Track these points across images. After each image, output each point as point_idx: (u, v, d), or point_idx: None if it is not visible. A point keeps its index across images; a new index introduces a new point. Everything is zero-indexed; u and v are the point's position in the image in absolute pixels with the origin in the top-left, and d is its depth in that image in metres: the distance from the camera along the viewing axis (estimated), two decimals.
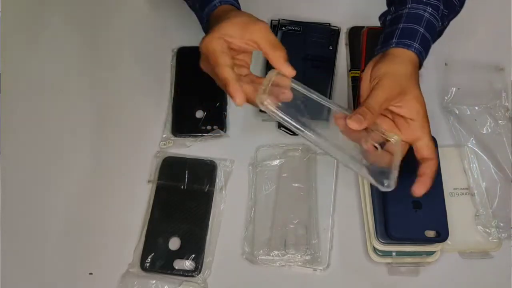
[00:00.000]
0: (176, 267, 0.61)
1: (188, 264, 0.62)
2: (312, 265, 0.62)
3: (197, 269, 0.61)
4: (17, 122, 0.71)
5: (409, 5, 0.58)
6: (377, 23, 0.75)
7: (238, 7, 0.59)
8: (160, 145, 0.69)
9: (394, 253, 0.62)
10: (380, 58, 0.56)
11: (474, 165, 0.67)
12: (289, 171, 0.66)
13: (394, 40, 0.56)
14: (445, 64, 0.74)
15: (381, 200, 0.63)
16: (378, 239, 0.61)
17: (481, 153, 0.68)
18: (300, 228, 0.63)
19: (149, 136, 0.69)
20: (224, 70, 0.50)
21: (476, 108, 0.70)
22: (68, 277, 0.62)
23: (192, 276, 0.61)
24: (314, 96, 0.52)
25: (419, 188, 0.51)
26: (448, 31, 0.74)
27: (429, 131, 0.53)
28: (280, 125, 0.70)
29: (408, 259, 0.62)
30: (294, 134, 0.69)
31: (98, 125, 0.70)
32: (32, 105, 0.72)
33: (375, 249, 0.62)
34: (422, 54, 0.56)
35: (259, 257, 0.62)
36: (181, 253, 0.62)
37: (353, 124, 0.49)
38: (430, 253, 0.62)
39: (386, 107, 0.52)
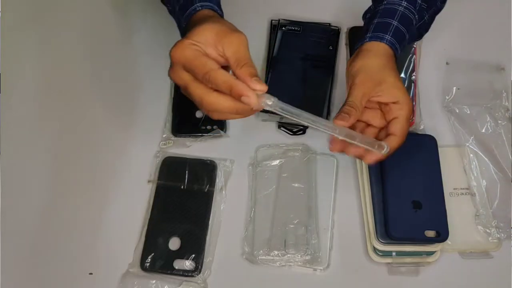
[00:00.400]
0: (176, 267, 0.61)
1: (188, 264, 0.62)
2: (312, 265, 0.62)
3: (197, 269, 0.61)
4: (17, 122, 0.71)
5: (385, 1, 0.60)
6: None
7: (220, 15, 0.56)
8: (160, 145, 0.69)
9: (394, 253, 0.62)
10: (356, 55, 0.58)
11: (474, 165, 0.67)
12: (289, 171, 0.66)
13: (368, 35, 0.58)
14: (447, 63, 0.74)
15: (381, 200, 0.63)
16: (378, 239, 0.61)
17: (481, 153, 0.68)
18: (300, 228, 0.63)
19: (149, 136, 0.69)
20: (219, 74, 0.46)
21: (477, 108, 0.70)
22: (68, 277, 0.62)
23: (192, 276, 0.61)
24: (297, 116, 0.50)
25: (370, 156, 0.53)
26: (450, 30, 0.74)
27: (408, 112, 0.55)
28: (280, 125, 0.70)
29: (408, 259, 0.62)
30: (294, 134, 0.69)
31: (98, 125, 0.70)
32: (32, 105, 0.72)
33: (375, 249, 0.62)
34: (395, 45, 0.58)
35: (259, 257, 0.62)
36: (181, 253, 0.62)
37: (340, 122, 0.52)
38: (430, 253, 0.62)
39: (366, 100, 0.55)
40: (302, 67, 0.71)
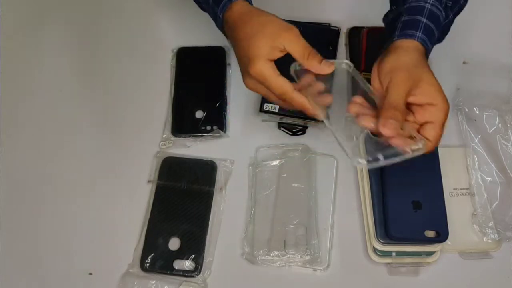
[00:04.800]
0: (176, 267, 0.61)
1: (188, 264, 0.62)
2: (312, 265, 0.62)
3: (197, 269, 0.61)
4: (17, 122, 0.71)
5: (410, 0, 0.57)
6: (376, 23, 0.75)
7: (250, 2, 0.58)
8: (160, 145, 0.69)
9: (394, 253, 0.62)
10: (385, 54, 0.55)
11: (476, 166, 0.67)
12: (289, 171, 0.66)
13: (396, 33, 0.56)
14: (464, 62, 0.73)
15: (381, 200, 0.63)
16: (378, 239, 0.61)
17: (485, 154, 0.67)
18: (300, 228, 0.63)
19: (149, 136, 0.69)
20: (295, 96, 0.52)
21: (487, 109, 0.69)
22: (68, 277, 0.62)
23: (192, 276, 0.61)
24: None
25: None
26: (463, 30, 0.72)
27: (445, 117, 0.51)
28: (280, 125, 0.70)
29: (408, 259, 0.62)
30: (294, 134, 0.69)
31: (98, 125, 0.71)
32: (32, 105, 0.72)
33: (375, 249, 0.62)
34: (426, 43, 0.55)
35: (259, 257, 0.62)
36: (181, 253, 0.62)
37: (388, 131, 0.48)
38: (430, 253, 0.62)
39: (406, 102, 0.51)
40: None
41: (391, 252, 0.62)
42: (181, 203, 0.65)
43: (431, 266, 0.63)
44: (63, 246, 0.64)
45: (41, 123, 0.71)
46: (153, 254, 0.62)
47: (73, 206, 0.66)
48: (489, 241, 0.63)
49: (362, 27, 0.74)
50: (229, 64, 0.73)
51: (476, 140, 0.68)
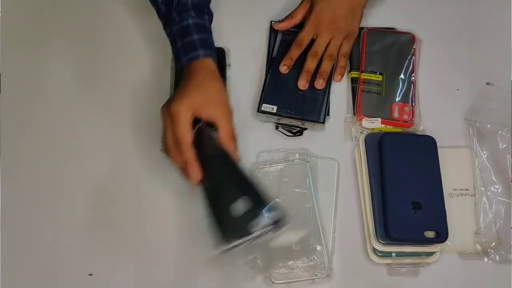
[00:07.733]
0: None
1: None
2: (315, 270, 0.61)
3: None
4: (17, 122, 0.71)
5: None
6: (376, 23, 0.75)
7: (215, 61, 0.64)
8: (160, 147, 0.69)
9: (393, 254, 0.62)
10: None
11: (478, 168, 0.66)
12: (290, 176, 0.64)
13: None
14: (487, 83, 0.71)
15: (381, 201, 0.63)
16: (378, 240, 0.61)
17: (492, 172, 0.66)
18: (302, 233, 0.62)
19: (148, 137, 0.69)
20: (187, 151, 0.56)
21: (499, 127, 0.68)
22: (68, 278, 0.62)
23: None
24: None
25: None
26: (478, 49, 0.72)
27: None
28: (278, 126, 0.69)
29: (408, 260, 0.62)
30: (293, 135, 0.69)
31: (98, 126, 0.70)
32: (32, 105, 0.72)
33: (374, 250, 0.62)
34: None
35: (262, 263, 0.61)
36: None
37: None
38: (430, 254, 0.62)
39: None
40: (301, 68, 0.70)
41: (391, 252, 0.62)
42: None
43: (431, 266, 0.63)
44: (62, 246, 0.64)
45: (41, 123, 0.71)
46: None
47: (73, 207, 0.66)
48: (490, 262, 0.63)
49: (362, 28, 0.74)
50: (229, 65, 0.72)
51: (484, 157, 0.67)
